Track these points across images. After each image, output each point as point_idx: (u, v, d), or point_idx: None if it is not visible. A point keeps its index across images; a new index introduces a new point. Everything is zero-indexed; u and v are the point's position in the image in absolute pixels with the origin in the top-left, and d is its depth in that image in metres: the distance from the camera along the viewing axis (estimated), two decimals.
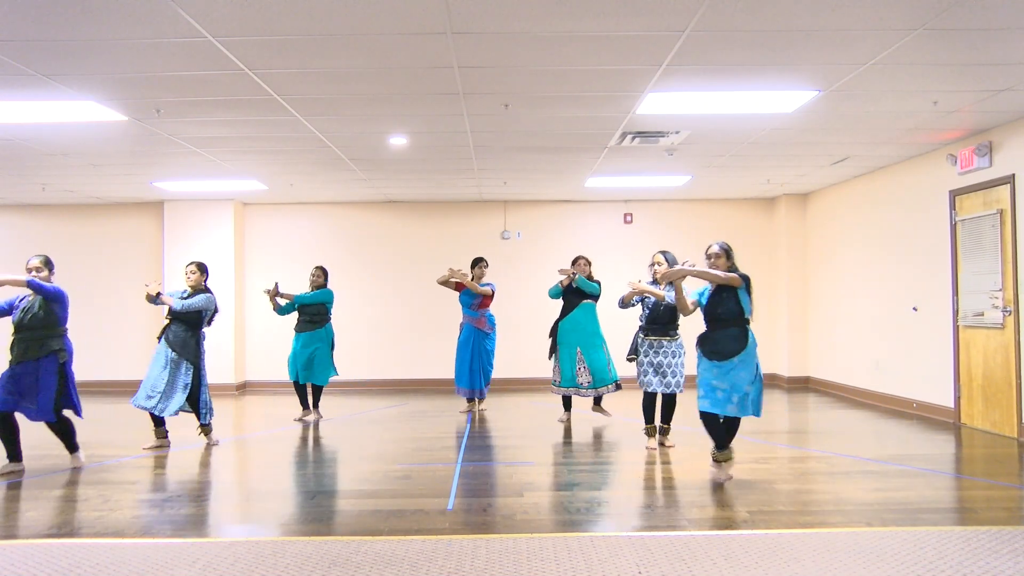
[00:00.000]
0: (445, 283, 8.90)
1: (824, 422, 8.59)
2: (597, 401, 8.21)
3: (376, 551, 4.09)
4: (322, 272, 8.70)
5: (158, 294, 6.84)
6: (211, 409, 7.12)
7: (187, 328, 6.91)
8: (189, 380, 6.86)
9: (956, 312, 7.98)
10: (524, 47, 5.00)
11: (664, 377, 6.66)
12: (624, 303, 6.79)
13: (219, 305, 7.36)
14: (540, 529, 4.48)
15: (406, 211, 12.01)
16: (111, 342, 11.73)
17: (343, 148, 7.98)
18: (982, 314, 7.58)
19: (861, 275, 9.92)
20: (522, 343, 11.18)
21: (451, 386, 11.39)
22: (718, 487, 5.42)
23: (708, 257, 5.61)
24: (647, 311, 6.75)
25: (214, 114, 6.55)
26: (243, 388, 11.70)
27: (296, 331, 8.63)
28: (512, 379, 11.37)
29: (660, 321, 6.68)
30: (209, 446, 7.09)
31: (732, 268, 5.55)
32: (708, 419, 5.56)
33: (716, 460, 5.57)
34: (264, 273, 11.75)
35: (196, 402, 6.97)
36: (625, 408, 8.93)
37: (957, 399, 8.00)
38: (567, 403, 8.31)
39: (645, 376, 6.71)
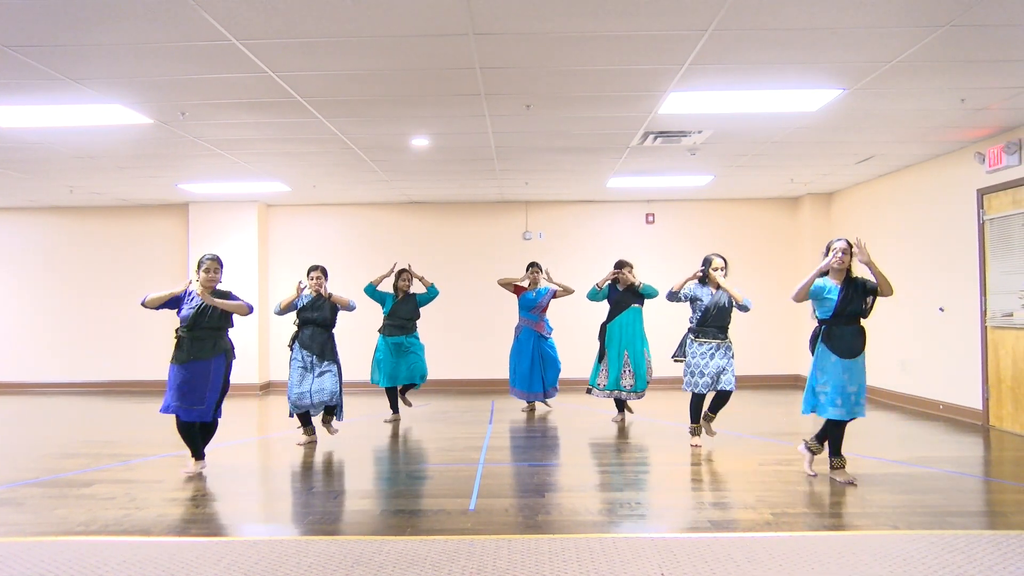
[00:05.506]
0: (506, 285, 9.01)
1: (848, 424, 8.46)
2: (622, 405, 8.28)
3: (398, 551, 4.10)
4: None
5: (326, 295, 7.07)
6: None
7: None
8: None
9: (984, 312, 7.86)
10: (546, 48, 5.00)
11: (716, 380, 6.63)
12: (673, 294, 6.75)
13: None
14: (562, 530, 4.47)
15: (428, 212, 12.04)
16: (136, 343, 11.87)
17: (365, 150, 8.02)
18: (1011, 314, 7.46)
19: (887, 275, 9.76)
20: None
21: (473, 387, 11.50)
22: (741, 488, 5.38)
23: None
24: (699, 314, 6.71)
25: (238, 116, 6.61)
26: (267, 388, 11.79)
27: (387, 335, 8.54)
28: None
29: (712, 324, 6.66)
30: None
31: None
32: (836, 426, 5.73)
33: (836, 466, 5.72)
34: (288, 274, 11.82)
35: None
36: (652, 410, 8.90)
37: (986, 400, 7.88)
38: (620, 405, 8.29)
39: (692, 378, 6.66)
